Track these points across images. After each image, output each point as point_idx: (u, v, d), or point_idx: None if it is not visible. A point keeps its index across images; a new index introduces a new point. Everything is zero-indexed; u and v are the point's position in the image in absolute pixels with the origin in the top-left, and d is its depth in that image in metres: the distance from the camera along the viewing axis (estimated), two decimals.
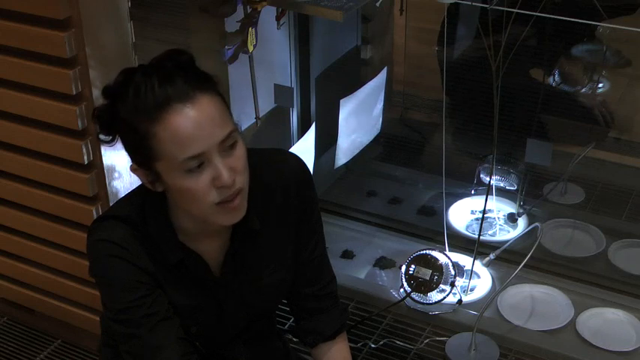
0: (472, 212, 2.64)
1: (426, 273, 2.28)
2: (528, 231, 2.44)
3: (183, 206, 1.40)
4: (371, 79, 2.62)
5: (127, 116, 1.32)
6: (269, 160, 1.55)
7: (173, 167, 1.32)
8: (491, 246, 2.44)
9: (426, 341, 2.23)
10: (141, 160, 1.36)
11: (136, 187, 1.49)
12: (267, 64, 2.44)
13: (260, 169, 1.48)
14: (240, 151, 1.36)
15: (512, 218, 2.58)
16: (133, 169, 1.39)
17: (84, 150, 1.94)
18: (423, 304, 2.28)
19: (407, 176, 2.87)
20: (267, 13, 2.28)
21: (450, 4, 2.16)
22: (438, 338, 2.23)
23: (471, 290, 2.34)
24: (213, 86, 1.35)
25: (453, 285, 2.27)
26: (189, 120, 1.29)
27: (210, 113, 1.31)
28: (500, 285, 2.33)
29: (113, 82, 1.35)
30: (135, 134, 1.32)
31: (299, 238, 1.58)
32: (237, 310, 1.56)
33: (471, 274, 2.34)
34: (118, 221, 1.43)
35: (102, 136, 1.39)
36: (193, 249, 1.46)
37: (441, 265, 2.28)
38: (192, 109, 1.29)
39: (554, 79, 2.89)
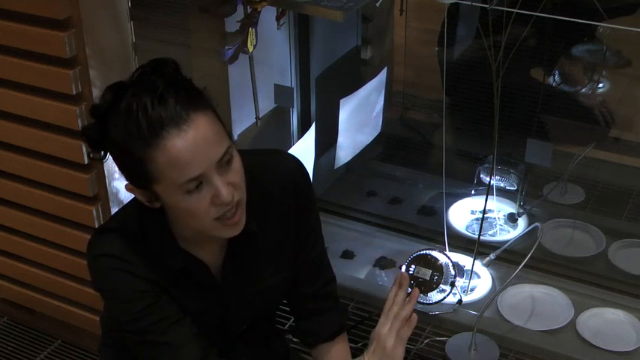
0: (472, 212, 2.64)
1: (426, 273, 2.28)
2: (528, 231, 2.44)
3: (182, 222, 1.40)
4: (371, 79, 2.62)
5: (119, 140, 1.30)
6: (266, 161, 1.55)
7: (172, 189, 1.31)
8: (491, 246, 2.44)
9: (426, 341, 2.23)
10: (137, 182, 1.35)
11: (133, 198, 1.49)
12: (267, 64, 2.44)
13: (257, 171, 1.48)
14: (236, 165, 1.35)
15: (512, 218, 2.58)
16: (129, 189, 1.39)
17: (84, 150, 1.94)
18: (423, 304, 2.28)
19: (407, 176, 2.87)
20: (267, 13, 2.28)
21: (450, 4, 2.16)
22: (438, 338, 2.22)
23: (471, 290, 2.34)
24: (205, 101, 1.33)
25: (453, 285, 2.27)
26: (186, 143, 1.27)
27: (205, 134, 1.29)
28: (500, 285, 2.33)
29: (101, 101, 1.32)
30: (130, 157, 1.30)
31: (298, 237, 1.58)
32: (239, 312, 1.56)
33: (471, 274, 2.34)
34: (116, 234, 1.43)
35: (93, 154, 1.38)
36: (194, 254, 1.47)
37: (441, 265, 2.28)
38: (188, 132, 1.27)
39: (554, 79, 2.88)
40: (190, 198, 1.31)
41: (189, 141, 1.27)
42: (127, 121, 1.28)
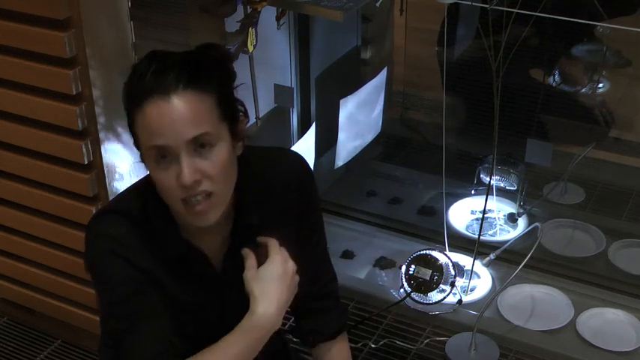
0: (472, 212, 2.64)
1: (426, 273, 2.28)
2: (528, 231, 2.44)
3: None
4: (371, 79, 2.62)
5: (124, 97, 1.37)
6: (270, 157, 1.55)
7: (145, 153, 1.36)
8: (491, 246, 2.44)
9: (426, 341, 2.23)
10: (134, 140, 1.39)
11: (137, 181, 1.50)
12: (267, 64, 2.44)
13: (261, 166, 1.49)
14: (217, 157, 1.35)
15: (512, 218, 2.58)
16: (135, 144, 1.43)
17: (84, 150, 1.94)
18: (423, 304, 2.28)
19: (407, 176, 2.87)
20: (267, 13, 2.28)
21: (450, 4, 2.16)
22: (438, 338, 2.23)
23: (471, 290, 2.34)
24: (212, 87, 1.35)
25: (453, 285, 2.27)
26: (160, 112, 1.31)
27: (185, 111, 1.31)
28: (500, 285, 2.33)
29: (139, 60, 1.39)
30: (127, 113, 1.37)
31: (300, 235, 1.58)
32: (238, 308, 1.56)
33: (471, 274, 2.34)
34: (118, 215, 1.44)
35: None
36: (195, 244, 1.47)
37: (441, 265, 2.28)
38: (170, 102, 1.31)
39: (554, 79, 2.89)
40: (159, 168, 1.34)
41: (164, 111, 1.31)
42: (130, 82, 1.35)
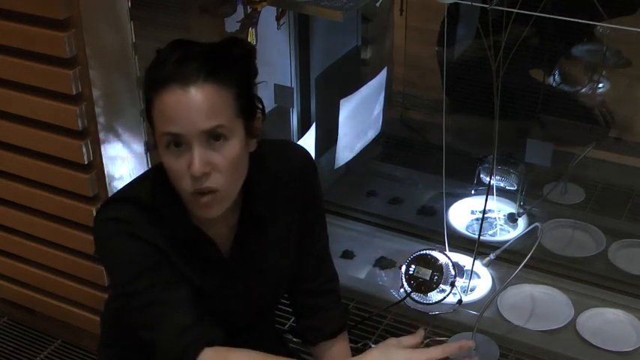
0: (472, 212, 2.64)
1: (426, 273, 2.28)
2: (528, 231, 2.44)
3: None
4: (371, 79, 2.62)
5: (144, 80, 1.39)
6: (276, 148, 1.57)
7: (158, 138, 1.37)
8: (491, 246, 2.44)
9: (426, 341, 2.23)
10: (149, 121, 1.41)
11: (145, 171, 1.52)
12: (267, 64, 2.44)
13: (268, 157, 1.50)
14: (229, 151, 1.36)
15: (512, 218, 2.58)
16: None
17: (84, 150, 1.94)
18: (423, 304, 2.28)
19: (407, 176, 2.87)
20: (267, 13, 2.28)
21: (450, 4, 2.16)
22: (438, 338, 2.22)
23: (471, 290, 2.34)
24: (232, 82, 1.36)
25: (453, 285, 2.27)
26: (178, 102, 1.33)
27: (201, 102, 1.33)
28: (500, 285, 2.33)
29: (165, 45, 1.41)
30: (145, 96, 1.39)
31: (302, 228, 1.59)
32: (243, 299, 1.56)
33: (471, 274, 2.34)
34: (125, 203, 1.45)
35: None
36: (204, 231, 1.48)
37: (441, 265, 2.28)
38: (187, 93, 1.33)
39: (554, 79, 2.89)
40: (170, 155, 1.36)
41: (181, 100, 1.33)
42: (151, 66, 1.37)
